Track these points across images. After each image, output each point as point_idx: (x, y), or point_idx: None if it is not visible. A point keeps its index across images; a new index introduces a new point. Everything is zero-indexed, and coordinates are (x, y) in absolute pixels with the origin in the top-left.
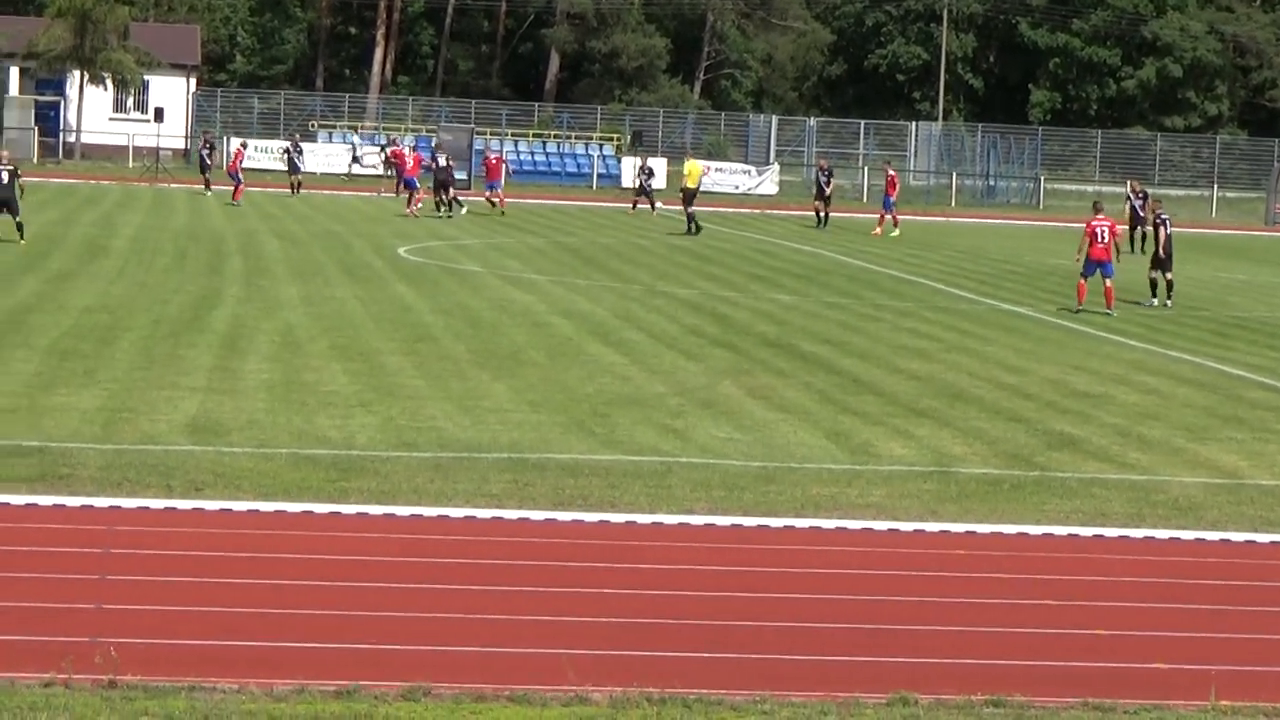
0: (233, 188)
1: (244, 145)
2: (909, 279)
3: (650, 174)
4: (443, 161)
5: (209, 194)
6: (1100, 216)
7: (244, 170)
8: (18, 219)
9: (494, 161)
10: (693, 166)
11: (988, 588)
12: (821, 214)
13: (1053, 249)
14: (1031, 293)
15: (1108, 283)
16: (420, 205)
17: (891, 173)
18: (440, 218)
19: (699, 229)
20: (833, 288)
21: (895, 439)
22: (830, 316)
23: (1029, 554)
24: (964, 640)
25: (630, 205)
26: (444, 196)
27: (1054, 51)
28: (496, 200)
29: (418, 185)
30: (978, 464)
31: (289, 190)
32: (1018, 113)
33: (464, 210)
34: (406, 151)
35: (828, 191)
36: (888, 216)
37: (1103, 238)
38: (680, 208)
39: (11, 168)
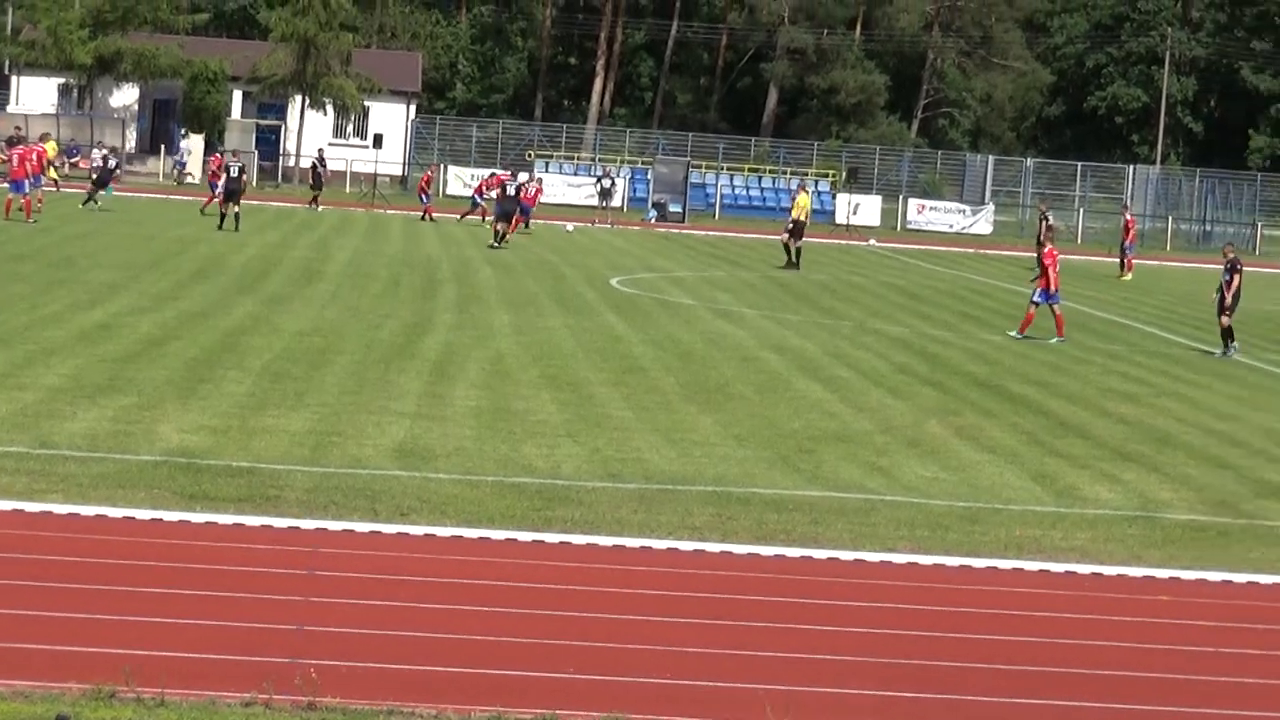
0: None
1: (222, 154)
2: (1121, 322)
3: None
4: (510, 191)
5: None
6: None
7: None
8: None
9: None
10: (803, 199)
11: (1192, 635)
12: None
13: (1270, 296)
14: (1246, 339)
15: (1056, 310)
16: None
17: (1129, 216)
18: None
19: (798, 265)
20: (1044, 329)
21: (1102, 482)
22: (1040, 358)
23: (1234, 601)
24: (1165, 687)
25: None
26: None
27: (1276, 96)
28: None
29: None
30: (1184, 510)
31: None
32: (1236, 157)
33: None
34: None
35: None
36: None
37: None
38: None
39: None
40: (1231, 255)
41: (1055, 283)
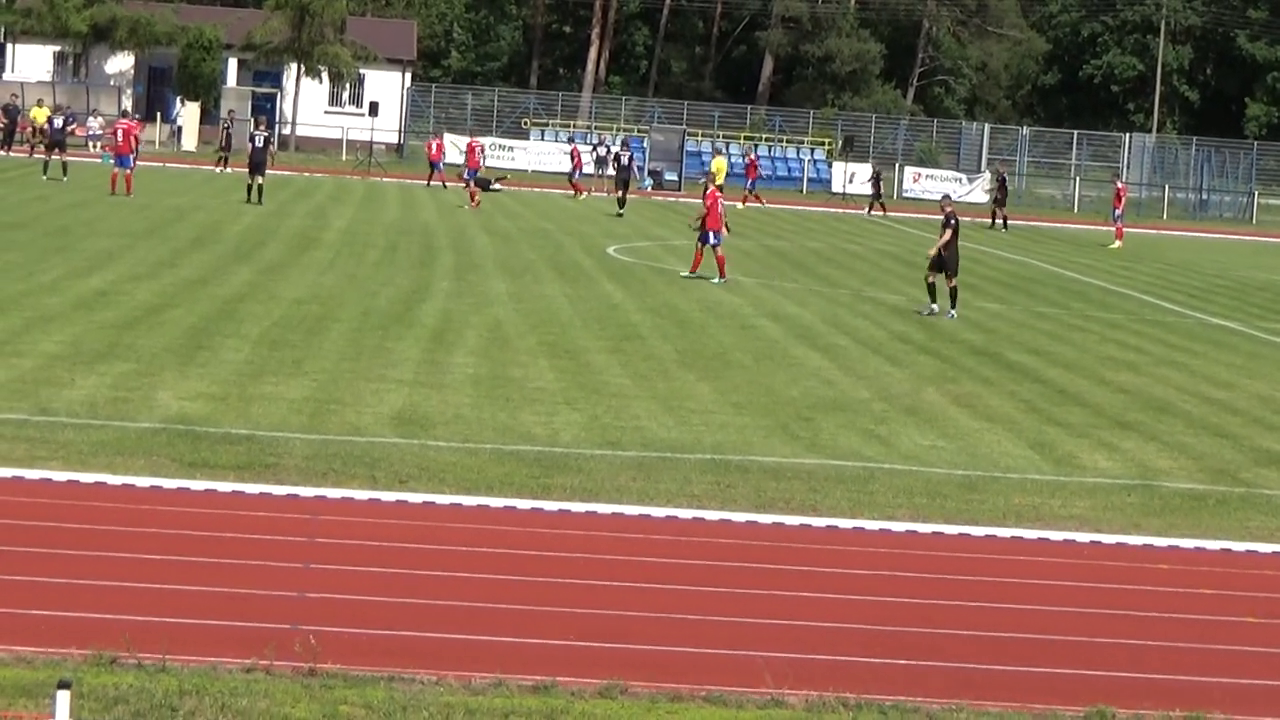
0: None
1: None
2: (1118, 291)
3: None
4: (624, 161)
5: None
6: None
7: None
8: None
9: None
10: (720, 164)
11: (1190, 603)
12: (998, 218)
13: (1266, 264)
14: (1242, 308)
15: (718, 251)
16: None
17: (1120, 185)
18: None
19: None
20: (1041, 297)
21: (1100, 451)
22: (1037, 326)
23: (1233, 570)
24: (1165, 655)
25: (866, 210)
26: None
27: (1272, 65)
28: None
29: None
30: (1183, 478)
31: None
32: (1233, 126)
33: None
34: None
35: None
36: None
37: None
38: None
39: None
40: (949, 209)
41: (716, 224)
